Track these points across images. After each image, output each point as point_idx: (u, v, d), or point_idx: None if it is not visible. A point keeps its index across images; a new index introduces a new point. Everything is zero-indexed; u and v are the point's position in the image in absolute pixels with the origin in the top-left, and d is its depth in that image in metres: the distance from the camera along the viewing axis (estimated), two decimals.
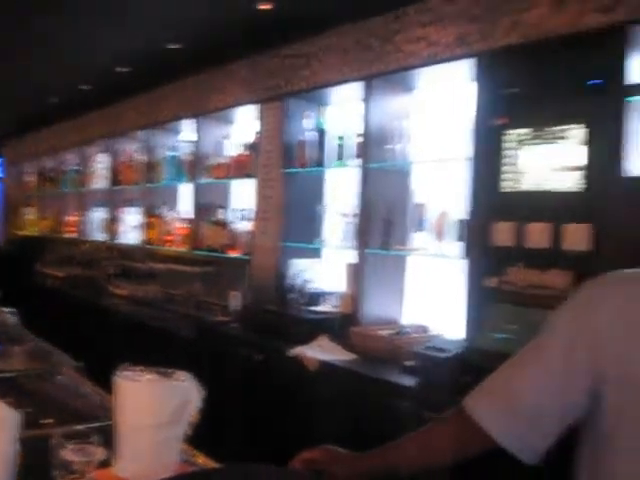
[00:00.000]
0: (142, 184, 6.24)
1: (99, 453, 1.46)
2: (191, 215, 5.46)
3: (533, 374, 1.45)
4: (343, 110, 4.36)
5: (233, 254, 4.87)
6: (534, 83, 2.96)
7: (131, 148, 6.66)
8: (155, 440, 1.53)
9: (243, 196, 5.12)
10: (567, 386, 1.43)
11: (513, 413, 1.45)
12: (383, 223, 3.76)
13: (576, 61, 2.81)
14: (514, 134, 3.02)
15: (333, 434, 1.69)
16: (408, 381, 3.04)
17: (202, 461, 1.71)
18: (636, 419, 1.36)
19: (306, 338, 3.68)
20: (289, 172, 4.41)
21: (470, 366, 2.84)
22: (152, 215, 6.06)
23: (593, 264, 2.65)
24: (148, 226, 6.09)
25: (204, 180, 5.31)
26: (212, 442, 1.76)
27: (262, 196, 4.64)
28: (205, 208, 5.31)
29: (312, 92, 4.29)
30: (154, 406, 1.53)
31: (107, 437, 1.53)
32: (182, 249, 5.53)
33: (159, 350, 4.25)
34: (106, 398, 2.08)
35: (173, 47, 4.70)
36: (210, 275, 5.14)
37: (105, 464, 1.51)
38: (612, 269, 1.64)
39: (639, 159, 2.67)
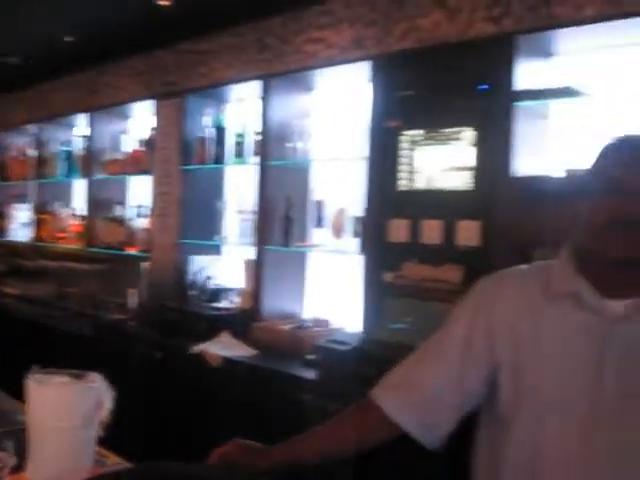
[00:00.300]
0: (33, 180, 6.04)
1: (11, 459, 1.46)
2: (85, 212, 5.35)
3: (435, 365, 1.57)
4: (243, 108, 4.39)
5: (131, 251, 4.82)
6: (427, 87, 3.09)
7: (21, 142, 6.44)
8: (68, 443, 1.54)
9: (141, 192, 5.06)
10: (466, 376, 1.55)
11: (417, 402, 1.55)
12: (283, 220, 3.83)
13: (467, 67, 2.96)
14: (408, 135, 3.15)
15: (239, 429, 1.73)
16: (310, 374, 3.13)
17: (113, 461, 1.72)
18: (527, 406, 1.48)
19: (208, 335, 3.70)
20: (187, 169, 4.40)
21: (369, 358, 2.96)
22: (44, 212, 5.88)
23: (483, 259, 2.81)
24: (39, 223, 5.91)
25: (99, 176, 5.21)
26: (116, 443, 1.77)
27: (159, 193, 4.60)
28: (101, 204, 5.21)
29: (211, 89, 4.31)
30: (67, 409, 1.53)
31: (19, 442, 1.53)
32: (76, 246, 5.41)
33: (56, 350, 4.17)
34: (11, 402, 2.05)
35: (68, 40, 4.58)
36: (107, 273, 5.06)
37: (18, 469, 1.51)
38: (500, 264, 1.78)
39: (525, 160, 2.85)
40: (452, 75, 3.02)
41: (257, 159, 3.93)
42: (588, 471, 1.42)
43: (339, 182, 3.83)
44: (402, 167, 3.17)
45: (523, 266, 1.66)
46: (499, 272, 1.66)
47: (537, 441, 1.47)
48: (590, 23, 2.66)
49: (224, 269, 4.42)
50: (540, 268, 1.61)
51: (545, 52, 2.96)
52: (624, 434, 1.42)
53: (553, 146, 2.93)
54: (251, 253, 3.94)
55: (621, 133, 2.16)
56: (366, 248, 3.33)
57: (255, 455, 1.56)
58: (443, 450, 1.58)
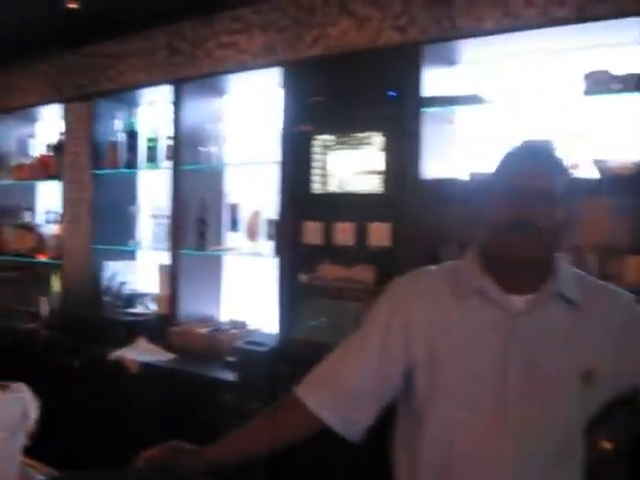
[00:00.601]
0: None
1: None
2: None
3: (355, 363, 1.65)
4: (155, 112, 4.38)
5: (42, 258, 4.72)
6: (338, 93, 3.18)
7: None
8: None
9: (50, 198, 4.96)
10: (385, 372, 1.63)
11: (339, 398, 1.63)
12: (197, 224, 3.85)
13: (376, 74, 3.06)
14: (320, 140, 3.23)
15: (160, 433, 1.78)
16: (229, 376, 3.18)
17: (39, 470, 1.73)
18: (440, 403, 1.58)
19: (125, 341, 3.69)
20: (99, 173, 4.36)
21: (287, 357, 3.04)
22: None
23: (394, 259, 2.93)
24: None
25: (6, 181, 5.08)
26: (38, 451, 1.77)
27: (70, 198, 4.53)
28: (8, 211, 5.08)
29: (122, 93, 4.27)
30: None
31: None
32: None
33: None
34: None
35: None
36: (18, 281, 4.94)
37: None
38: (410, 264, 1.88)
39: (433, 164, 2.97)
40: (361, 82, 3.11)
41: (170, 163, 3.93)
42: (497, 456, 1.52)
43: (253, 186, 3.87)
44: (315, 171, 3.25)
45: (433, 267, 1.76)
46: (412, 273, 1.75)
47: (450, 436, 1.56)
48: (490, 34, 2.81)
49: (139, 274, 4.39)
50: (449, 268, 1.71)
51: (450, 61, 3.10)
52: (529, 428, 1.53)
53: (459, 151, 3.07)
54: (166, 257, 3.94)
55: (521, 139, 2.32)
56: (281, 250, 3.39)
57: (184, 456, 1.61)
58: (364, 442, 1.66)
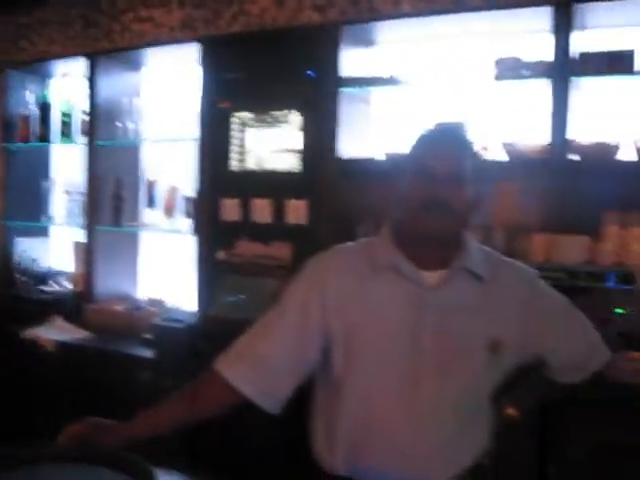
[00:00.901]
0: None
1: None
2: None
3: (274, 338, 1.69)
4: (69, 85, 4.26)
5: None
6: (257, 70, 3.19)
7: None
8: None
9: None
10: (303, 346, 1.68)
11: (258, 371, 1.67)
12: (113, 200, 3.79)
13: (295, 53, 3.09)
14: (239, 117, 3.24)
15: (79, 410, 1.77)
16: (147, 353, 3.17)
17: None
18: (357, 370, 1.64)
19: (39, 319, 3.62)
20: (9, 147, 4.22)
21: (204, 334, 3.06)
22: None
23: (310, 236, 2.98)
24: None
25: None
26: None
27: None
28: None
29: (35, 64, 4.14)
30: None
31: None
32: None
33: None
34: None
35: None
36: None
37: None
38: (327, 241, 1.93)
39: (349, 143, 3.03)
40: (280, 60, 3.13)
41: (85, 138, 3.85)
42: (412, 425, 1.60)
43: (171, 162, 3.84)
44: (233, 148, 3.25)
45: (349, 243, 1.81)
46: (329, 250, 1.80)
47: (366, 408, 1.63)
48: (406, 17, 2.87)
49: (53, 251, 4.30)
50: (364, 245, 1.77)
51: (368, 42, 3.15)
52: (442, 391, 1.61)
53: (375, 130, 3.13)
54: (81, 234, 3.87)
55: (435, 121, 2.40)
56: (198, 227, 3.39)
57: (105, 431, 1.62)
58: (283, 413, 1.71)
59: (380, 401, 1.62)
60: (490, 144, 2.76)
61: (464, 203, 1.63)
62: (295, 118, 3.07)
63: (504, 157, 2.75)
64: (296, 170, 3.07)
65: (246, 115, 3.22)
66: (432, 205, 1.58)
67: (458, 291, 1.65)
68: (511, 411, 1.84)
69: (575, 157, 2.63)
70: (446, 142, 1.69)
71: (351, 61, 3.02)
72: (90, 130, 3.81)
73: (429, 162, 1.62)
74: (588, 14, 2.64)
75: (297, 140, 3.06)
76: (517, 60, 2.71)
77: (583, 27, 2.69)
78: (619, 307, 2.62)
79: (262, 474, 2.82)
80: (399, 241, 1.68)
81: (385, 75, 2.95)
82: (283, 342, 1.68)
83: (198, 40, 3.39)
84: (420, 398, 1.60)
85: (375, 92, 3.08)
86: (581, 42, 2.65)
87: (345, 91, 2.99)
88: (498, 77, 2.71)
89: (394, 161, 2.80)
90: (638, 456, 2.29)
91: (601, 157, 2.60)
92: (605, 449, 2.36)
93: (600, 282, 2.57)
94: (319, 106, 3.02)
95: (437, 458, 1.62)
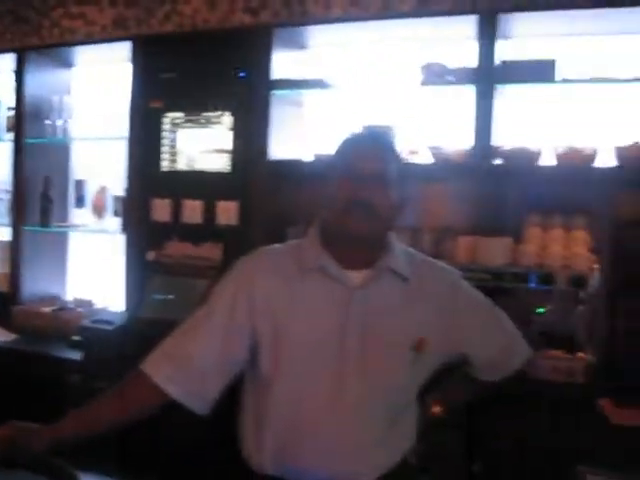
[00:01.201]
0: None
1: None
2: None
3: (201, 338, 1.69)
4: None
5: None
6: (188, 71, 3.18)
7: None
8: None
9: None
10: (230, 347, 1.68)
11: (185, 372, 1.66)
12: (41, 199, 3.71)
13: (227, 54, 3.09)
14: (170, 117, 3.23)
15: (7, 414, 1.74)
16: (75, 355, 3.12)
17: None
18: (286, 369, 1.65)
19: None
20: None
21: (134, 335, 3.03)
22: None
23: (241, 237, 2.99)
24: None
25: None
26: None
27: None
28: None
29: None
30: None
31: None
32: None
33: None
34: None
35: None
36: None
37: None
38: (257, 241, 1.95)
39: (280, 145, 3.05)
40: (212, 61, 3.13)
41: (12, 135, 3.77)
42: (339, 424, 1.62)
43: (101, 161, 3.79)
44: (164, 148, 3.24)
45: (277, 245, 1.83)
46: (257, 251, 1.81)
47: (294, 408, 1.64)
48: (338, 22, 2.92)
49: None
50: (292, 246, 1.79)
51: (300, 45, 3.18)
52: (367, 390, 1.63)
53: (305, 132, 3.16)
54: (7, 234, 3.78)
55: (363, 123, 2.44)
56: (128, 227, 3.36)
57: (32, 435, 1.59)
58: (212, 414, 1.71)
59: (308, 401, 1.64)
60: (417, 148, 2.82)
61: (389, 205, 1.66)
62: (227, 119, 3.08)
63: (430, 160, 2.81)
64: (227, 171, 3.07)
65: (177, 115, 3.21)
66: (357, 206, 1.61)
67: (383, 291, 1.69)
68: (437, 410, 1.89)
69: (499, 162, 2.71)
70: (371, 145, 1.73)
71: (283, 63, 3.04)
72: (17, 127, 3.72)
73: (354, 164, 1.65)
74: (512, 23, 2.73)
75: (229, 141, 3.07)
76: (443, 66, 2.78)
77: (507, 36, 2.78)
78: (540, 307, 2.72)
79: (191, 474, 2.81)
80: (326, 242, 1.71)
81: (316, 78, 2.98)
82: (210, 343, 1.68)
83: (130, 39, 3.36)
84: (346, 397, 1.62)
85: (306, 94, 3.11)
86: (505, 50, 2.74)
87: (277, 93, 3.01)
88: (424, 82, 2.78)
89: (323, 163, 2.83)
90: (558, 450, 2.38)
91: (523, 162, 2.69)
92: (527, 444, 2.45)
93: (522, 283, 2.66)
94: (251, 108, 3.04)
95: (364, 457, 1.64)
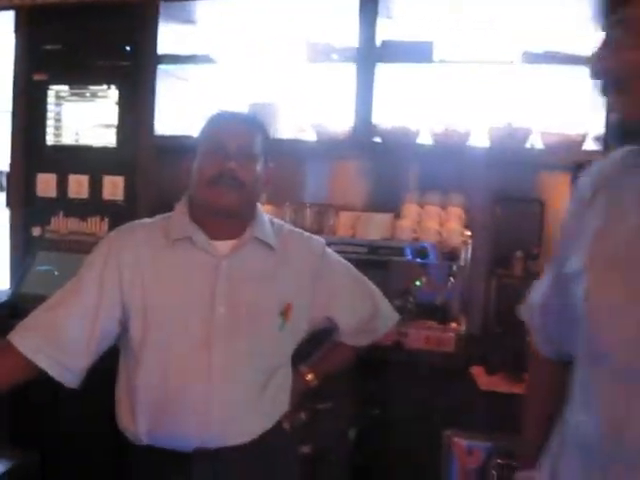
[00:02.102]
0: None
1: None
2: None
3: (70, 309, 1.70)
4: None
5: None
6: (74, 43, 3.11)
7: None
8: None
9: None
10: (100, 318, 1.70)
11: (53, 343, 1.67)
12: None
13: (113, 28, 3.04)
14: (55, 90, 3.16)
15: None
16: None
17: None
18: (154, 338, 1.69)
19: None
20: None
21: (18, 312, 2.94)
22: None
23: (127, 212, 2.95)
24: None
25: None
26: None
27: None
28: None
29: None
30: None
31: None
32: None
33: None
34: None
35: None
36: None
37: None
38: (142, 217, 1.95)
39: (166, 120, 3.04)
40: (98, 34, 3.07)
41: None
42: (207, 390, 1.66)
43: None
44: (49, 122, 3.17)
45: (149, 219, 1.87)
46: (127, 224, 1.85)
47: (163, 376, 1.68)
48: None
49: None
50: (162, 219, 1.84)
51: (186, 20, 3.15)
52: (235, 355, 1.69)
53: (192, 107, 3.15)
54: None
55: (248, 98, 2.45)
56: (12, 203, 3.27)
57: None
58: (81, 387, 1.73)
59: (176, 368, 1.68)
60: (301, 125, 2.86)
61: (254, 177, 1.73)
62: (112, 93, 3.04)
63: (313, 138, 2.86)
64: (113, 146, 3.04)
65: (62, 88, 3.14)
66: (223, 179, 1.67)
67: (250, 259, 1.75)
68: (310, 378, 1.95)
69: (379, 140, 2.78)
70: (236, 120, 1.81)
71: (170, 38, 3.02)
72: None
73: (220, 139, 1.72)
74: (393, 4, 2.80)
75: (114, 116, 3.03)
76: (327, 44, 2.83)
77: (389, 16, 2.85)
78: (416, 279, 2.83)
79: (70, 448, 2.80)
80: (194, 214, 1.76)
81: (202, 53, 2.98)
82: (79, 314, 1.69)
83: (13, 8, 3.26)
84: (214, 363, 1.67)
85: (193, 70, 3.10)
86: (386, 30, 2.80)
87: (163, 68, 2.99)
88: (309, 60, 2.82)
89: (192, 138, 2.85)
90: (428, 416, 2.49)
91: (403, 140, 2.78)
92: (399, 410, 2.55)
93: (399, 256, 2.75)
94: (137, 82, 3.01)
95: (235, 421, 1.69)
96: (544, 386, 1.50)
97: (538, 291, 1.41)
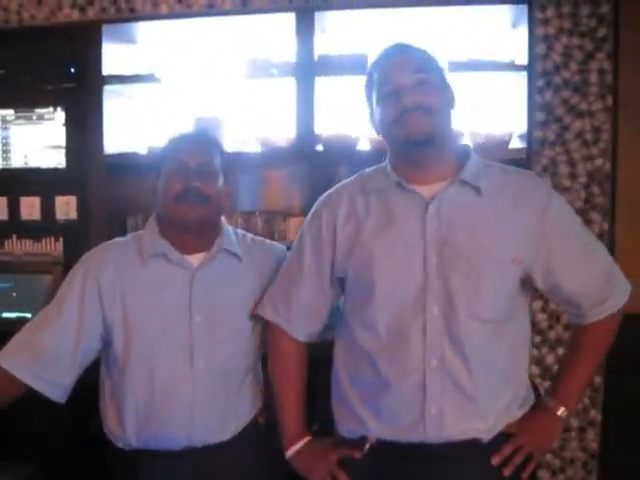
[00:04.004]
0: None
1: None
2: None
3: (54, 328, 1.80)
4: None
5: None
6: (18, 67, 3.16)
7: None
8: None
9: None
10: (82, 336, 1.81)
11: (39, 361, 1.78)
12: None
13: (57, 50, 3.10)
14: (1, 114, 3.21)
15: None
16: None
17: None
18: (137, 352, 1.80)
19: None
20: None
21: None
22: None
23: (81, 231, 3.03)
24: None
25: None
26: None
27: None
28: None
29: None
30: None
31: None
32: None
33: None
34: None
35: None
36: None
37: None
38: (97, 234, 2.06)
39: (114, 138, 3.12)
40: (42, 57, 3.13)
41: None
42: (189, 392, 1.79)
43: None
44: None
45: (119, 238, 1.98)
46: (101, 245, 1.95)
47: (149, 378, 1.80)
48: (164, 18, 3.03)
49: None
50: (134, 237, 1.95)
51: (129, 40, 3.25)
52: (213, 358, 1.82)
53: (138, 125, 3.24)
54: None
55: (192, 115, 2.57)
56: None
57: None
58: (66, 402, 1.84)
59: (160, 375, 1.80)
60: (245, 137, 2.99)
61: (217, 191, 1.86)
62: (59, 115, 3.11)
63: (258, 149, 2.99)
64: (62, 166, 3.11)
65: (8, 112, 3.20)
66: (188, 195, 1.80)
67: (219, 269, 1.88)
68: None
69: (321, 148, 2.93)
70: (196, 140, 1.93)
71: (113, 58, 3.11)
72: None
73: (182, 159, 1.84)
74: (328, 20, 2.95)
75: (62, 137, 3.11)
76: (266, 60, 2.96)
77: (324, 30, 3.00)
78: None
79: (52, 458, 2.83)
80: (163, 231, 1.88)
81: (146, 73, 3.08)
82: (62, 332, 1.80)
83: None
84: (196, 367, 1.79)
85: (138, 88, 3.19)
86: (323, 44, 2.95)
87: (109, 88, 3.08)
88: (249, 76, 2.95)
89: (156, 156, 2.94)
90: None
91: (344, 147, 2.93)
92: None
93: None
94: (83, 103, 3.08)
95: (218, 420, 1.83)
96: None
97: None
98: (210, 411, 1.82)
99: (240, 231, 2.04)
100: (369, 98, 1.75)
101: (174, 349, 1.80)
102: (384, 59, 1.71)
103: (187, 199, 1.80)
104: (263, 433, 1.96)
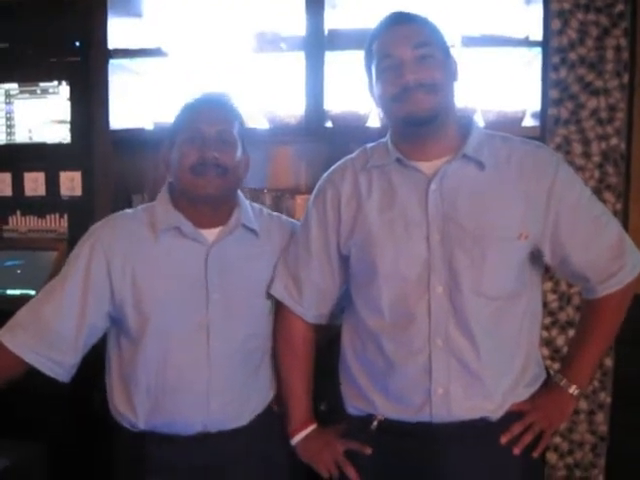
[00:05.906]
0: None
1: None
2: None
3: (58, 305, 1.73)
4: None
5: None
6: (21, 40, 3.10)
7: None
8: None
9: None
10: (88, 314, 1.73)
11: (42, 339, 1.71)
12: None
13: (62, 23, 3.04)
14: (4, 88, 3.16)
15: None
16: None
17: None
18: (152, 328, 1.73)
19: None
20: None
21: None
22: None
23: (86, 207, 3.00)
24: None
25: None
26: None
27: None
28: None
29: None
30: None
31: None
32: None
33: None
34: None
35: None
36: None
37: None
38: (101, 211, 2.01)
39: (120, 113, 3.07)
40: (46, 30, 3.08)
41: None
42: (205, 374, 1.73)
43: None
44: (0, 121, 3.18)
45: (129, 210, 1.90)
46: (109, 217, 1.87)
47: (163, 357, 1.73)
48: None
49: None
50: (144, 210, 1.86)
51: (135, 13, 3.18)
52: (230, 338, 1.75)
53: (144, 100, 3.19)
54: None
55: (200, 90, 2.52)
56: None
57: None
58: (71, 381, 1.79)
59: (176, 355, 1.73)
60: (253, 113, 2.94)
61: (236, 163, 1.77)
62: (64, 89, 3.06)
63: (266, 125, 2.94)
64: (67, 142, 3.07)
65: (12, 86, 3.15)
66: (206, 167, 1.70)
67: (237, 245, 1.80)
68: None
69: (330, 124, 2.88)
70: (212, 107, 1.82)
71: (119, 32, 3.05)
72: None
73: (198, 127, 1.73)
74: None
75: (67, 111, 3.06)
76: (276, 34, 2.90)
77: (333, 6, 2.94)
78: None
79: (56, 435, 2.82)
80: (177, 204, 1.79)
81: (152, 47, 3.02)
82: (66, 309, 1.72)
83: None
84: (213, 347, 1.72)
85: (144, 63, 3.13)
86: (332, 19, 2.89)
87: (114, 62, 3.02)
88: (258, 50, 2.89)
89: (164, 130, 2.90)
90: None
91: (353, 123, 2.88)
92: None
93: None
94: (88, 78, 3.02)
95: (232, 404, 1.76)
96: None
97: None
98: (226, 394, 1.75)
99: (257, 205, 1.96)
100: (368, 69, 1.71)
101: (190, 328, 1.73)
102: (384, 30, 1.67)
103: (204, 171, 1.71)
104: (277, 421, 1.89)
